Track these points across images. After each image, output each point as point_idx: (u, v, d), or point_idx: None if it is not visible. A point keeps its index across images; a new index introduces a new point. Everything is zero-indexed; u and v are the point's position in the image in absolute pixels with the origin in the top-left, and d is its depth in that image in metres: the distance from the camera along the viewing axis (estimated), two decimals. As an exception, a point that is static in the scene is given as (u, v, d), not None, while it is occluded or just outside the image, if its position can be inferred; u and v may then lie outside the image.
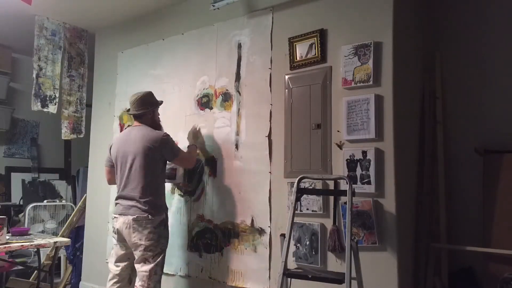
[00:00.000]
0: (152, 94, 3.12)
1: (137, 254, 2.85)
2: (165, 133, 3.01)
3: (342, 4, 2.75)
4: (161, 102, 3.16)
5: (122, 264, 3.00)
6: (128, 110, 3.09)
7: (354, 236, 2.46)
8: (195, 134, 3.32)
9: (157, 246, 2.85)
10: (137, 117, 3.04)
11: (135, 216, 2.81)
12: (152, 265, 2.82)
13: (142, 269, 2.82)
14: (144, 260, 2.83)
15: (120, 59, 4.20)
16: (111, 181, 3.14)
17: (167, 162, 3.05)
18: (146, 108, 3.02)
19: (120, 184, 2.95)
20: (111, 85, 4.23)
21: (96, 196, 4.22)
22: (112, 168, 3.09)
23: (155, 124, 3.08)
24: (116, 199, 2.98)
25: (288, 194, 2.80)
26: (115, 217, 2.94)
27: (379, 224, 2.45)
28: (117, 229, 2.91)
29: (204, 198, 3.31)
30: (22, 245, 3.04)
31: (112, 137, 4.07)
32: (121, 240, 2.93)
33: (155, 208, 2.87)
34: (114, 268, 3.01)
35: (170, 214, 3.50)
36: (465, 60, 2.95)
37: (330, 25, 2.78)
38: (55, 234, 4.50)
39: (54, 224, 4.66)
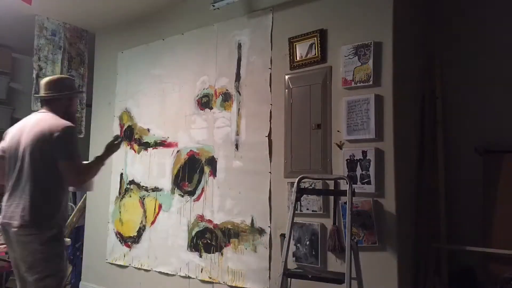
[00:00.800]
0: (72, 80, 2.63)
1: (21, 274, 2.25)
2: (70, 125, 2.30)
3: (342, 4, 2.75)
4: (82, 91, 2.59)
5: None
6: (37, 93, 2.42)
7: (354, 236, 2.46)
8: (111, 148, 2.55)
9: (46, 267, 2.18)
10: (45, 103, 2.42)
11: (18, 226, 2.16)
12: None
13: None
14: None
15: (120, 59, 4.20)
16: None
17: None
18: (59, 92, 2.40)
19: (7, 184, 2.31)
20: (111, 85, 4.23)
21: (96, 196, 4.21)
22: (1, 160, 2.37)
23: (70, 115, 2.45)
24: (4, 203, 2.30)
25: (288, 194, 2.80)
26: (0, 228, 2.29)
27: (379, 224, 2.45)
28: (6, 242, 2.30)
29: (204, 198, 3.31)
30: (22, 245, 3.02)
31: (112, 137, 4.07)
32: (11, 251, 2.29)
33: (44, 219, 2.21)
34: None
35: (171, 214, 3.52)
36: (465, 60, 2.95)
37: (330, 25, 2.78)
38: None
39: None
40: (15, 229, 2.17)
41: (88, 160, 2.63)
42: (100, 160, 2.46)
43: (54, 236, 2.22)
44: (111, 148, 2.53)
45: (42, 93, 2.43)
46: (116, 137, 2.61)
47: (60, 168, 2.23)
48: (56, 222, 2.26)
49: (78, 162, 2.30)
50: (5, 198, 2.30)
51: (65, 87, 2.47)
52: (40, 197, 2.22)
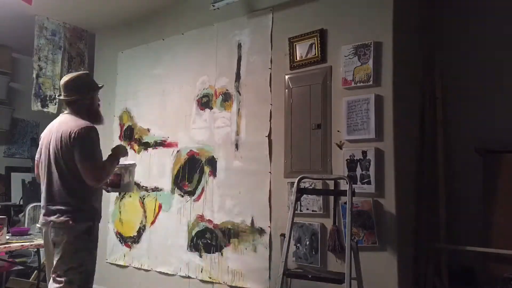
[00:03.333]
0: (89, 75, 2.65)
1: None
2: (88, 125, 2.37)
3: (342, 4, 2.75)
4: (102, 86, 2.60)
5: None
6: (60, 95, 2.52)
7: (354, 236, 2.46)
8: (124, 150, 2.67)
9: (73, 259, 2.30)
10: (67, 104, 2.48)
11: (55, 220, 2.32)
12: (62, 283, 2.27)
13: (52, 286, 2.30)
14: (55, 274, 2.30)
15: (120, 59, 4.20)
16: (37, 177, 2.57)
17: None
18: (80, 94, 2.45)
19: (43, 183, 2.44)
20: (111, 85, 4.23)
21: (96, 196, 4.21)
22: (38, 162, 2.54)
23: (93, 113, 2.53)
24: (42, 201, 2.46)
25: (288, 194, 2.80)
26: (39, 226, 2.47)
27: (379, 224, 2.45)
28: (43, 237, 2.44)
29: (204, 198, 3.31)
30: (22, 245, 3.04)
31: (112, 137, 4.08)
32: (48, 249, 2.43)
33: (79, 213, 2.34)
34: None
35: (171, 214, 3.52)
36: (465, 60, 2.95)
37: (330, 25, 2.78)
38: (55, 234, 4.49)
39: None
40: (52, 222, 2.32)
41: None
42: (114, 157, 2.53)
43: (89, 229, 2.36)
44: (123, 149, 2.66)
45: (64, 96, 2.47)
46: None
47: (79, 167, 2.32)
48: (87, 217, 2.37)
49: (97, 162, 2.37)
50: (42, 200, 2.44)
51: (83, 86, 2.48)
52: (69, 196, 2.33)
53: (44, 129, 2.60)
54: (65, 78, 2.50)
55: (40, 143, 2.53)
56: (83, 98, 2.47)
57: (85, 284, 2.34)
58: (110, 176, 2.55)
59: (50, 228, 2.34)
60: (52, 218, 2.33)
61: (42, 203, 2.44)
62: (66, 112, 2.49)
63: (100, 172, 2.38)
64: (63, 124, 2.39)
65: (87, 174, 2.32)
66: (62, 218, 2.31)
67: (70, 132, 2.31)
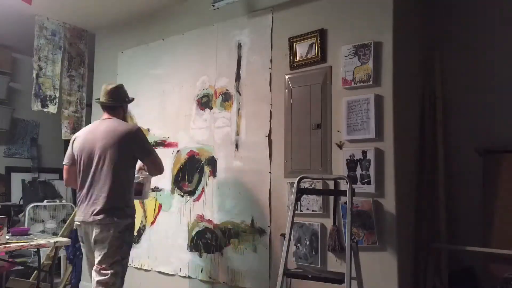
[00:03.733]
0: (123, 86, 2.88)
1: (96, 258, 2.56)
2: (138, 126, 2.80)
3: (342, 4, 2.75)
4: (133, 99, 2.92)
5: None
6: (98, 99, 2.78)
7: (354, 236, 2.46)
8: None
9: (118, 253, 2.54)
10: (110, 109, 2.74)
11: (101, 218, 2.51)
12: (108, 274, 2.50)
13: (98, 278, 2.52)
14: (101, 267, 2.52)
15: (120, 59, 4.20)
16: (69, 181, 2.75)
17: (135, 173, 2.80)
18: (122, 101, 2.80)
19: (84, 184, 2.61)
20: (111, 85, 4.23)
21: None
22: (73, 167, 2.70)
23: (125, 119, 2.91)
24: (79, 201, 2.64)
25: (288, 194, 2.80)
26: (78, 224, 2.64)
27: (379, 224, 2.45)
28: (83, 236, 2.65)
29: (204, 198, 3.31)
30: (22, 245, 3.03)
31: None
32: (88, 247, 2.65)
33: (122, 210, 2.57)
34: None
35: (171, 214, 3.52)
36: (465, 60, 2.95)
37: (330, 25, 2.78)
38: (55, 234, 4.49)
39: (54, 224, 4.65)
40: (99, 219, 2.52)
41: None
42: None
43: (129, 225, 2.62)
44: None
45: (108, 101, 2.74)
46: None
47: (144, 163, 2.76)
48: (131, 213, 2.65)
49: (156, 155, 2.74)
50: (82, 196, 2.63)
51: (125, 97, 2.84)
52: (120, 192, 2.58)
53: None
54: (109, 85, 2.78)
55: (76, 147, 2.70)
56: (123, 107, 2.82)
57: (124, 275, 2.62)
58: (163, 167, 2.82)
59: (93, 226, 2.53)
60: (98, 217, 2.52)
61: (84, 202, 2.61)
62: (104, 117, 2.74)
63: (161, 162, 2.76)
64: (113, 125, 2.64)
65: (156, 166, 2.72)
66: (108, 217, 2.52)
67: (128, 130, 2.62)
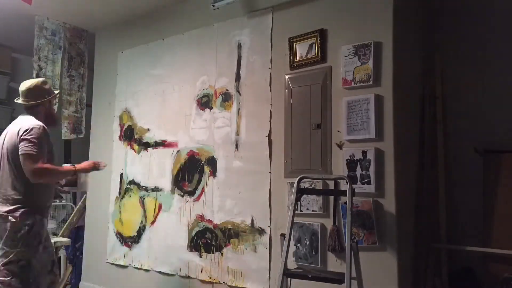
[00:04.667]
0: (46, 82, 2.77)
1: None
2: (38, 125, 2.53)
3: (342, 4, 2.75)
4: (57, 93, 2.86)
5: None
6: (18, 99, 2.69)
7: (354, 236, 2.46)
8: (86, 169, 2.81)
9: (14, 254, 2.41)
10: (26, 108, 2.67)
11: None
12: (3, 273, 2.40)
13: None
14: None
15: (120, 59, 4.20)
16: None
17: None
18: (36, 99, 2.64)
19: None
20: (111, 85, 4.23)
21: (96, 196, 4.21)
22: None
23: (50, 117, 2.73)
24: None
25: (288, 194, 2.80)
26: None
27: (379, 224, 2.45)
28: None
29: (204, 198, 3.31)
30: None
31: (112, 137, 4.09)
32: None
33: (23, 208, 2.45)
34: None
35: (171, 214, 3.52)
36: (465, 60, 2.95)
37: (330, 25, 2.78)
38: (55, 234, 4.49)
39: (54, 224, 4.64)
40: None
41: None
42: (71, 168, 2.72)
43: (29, 225, 2.46)
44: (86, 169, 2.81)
45: (23, 101, 2.67)
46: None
47: (20, 159, 2.48)
48: (34, 212, 2.50)
49: (36, 155, 2.46)
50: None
51: (40, 94, 2.67)
52: (22, 188, 2.49)
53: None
54: (24, 85, 2.67)
55: None
56: (40, 104, 2.66)
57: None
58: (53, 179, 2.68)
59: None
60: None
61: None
62: (23, 114, 2.67)
63: (51, 171, 2.54)
64: (19, 122, 2.58)
65: (29, 167, 2.44)
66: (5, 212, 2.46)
67: (23, 127, 2.49)
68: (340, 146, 2.64)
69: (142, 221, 3.73)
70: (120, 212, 3.94)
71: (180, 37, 3.68)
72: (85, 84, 4.50)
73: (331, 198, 2.64)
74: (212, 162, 3.30)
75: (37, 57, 4.12)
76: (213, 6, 3.25)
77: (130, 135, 3.97)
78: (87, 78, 4.51)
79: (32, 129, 2.48)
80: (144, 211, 3.73)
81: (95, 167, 2.82)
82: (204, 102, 3.43)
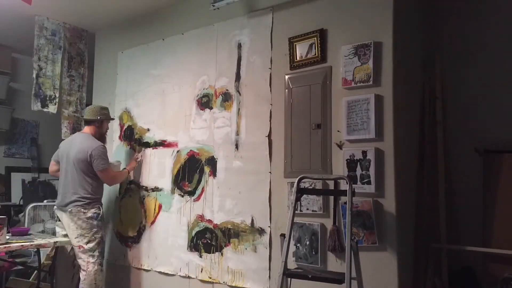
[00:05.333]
0: (107, 109, 3.67)
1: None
2: (101, 144, 3.45)
3: (342, 4, 2.75)
4: (113, 119, 3.78)
5: None
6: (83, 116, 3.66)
7: (354, 236, 2.46)
8: (132, 167, 3.78)
9: (91, 234, 3.36)
10: (86, 123, 3.59)
11: (70, 209, 3.34)
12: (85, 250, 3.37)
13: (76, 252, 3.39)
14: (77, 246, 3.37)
15: (120, 59, 4.20)
16: (52, 173, 3.70)
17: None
18: (95, 117, 3.53)
19: (60, 180, 3.51)
20: (111, 85, 4.23)
21: (96, 196, 4.21)
22: (57, 164, 3.60)
23: (100, 135, 3.57)
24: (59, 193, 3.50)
25: (288, 194, 2.80)
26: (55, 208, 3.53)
27: (379, 224, 2.45)
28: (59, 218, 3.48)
29: (204, 198, 3.31)
30: (22, 245, 3.04)
31: (112, 137, 4.09)
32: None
33: (92, 202, 3.40)
34: None
35: (171, 214, 3.53)
36: (465, 60, 2.95)
37: (330, 25, 2.78)
38: (55, 234, 4.49)
39: (54, 224, 4.65)
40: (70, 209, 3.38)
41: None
42: (125, 170, 3.74)
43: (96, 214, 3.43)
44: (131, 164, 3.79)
45: (85, 116, 3.64)
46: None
47: (98, 174, 3.45)
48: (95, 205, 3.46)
49: (108, 171, 3.49)
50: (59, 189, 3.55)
51: (99, 114, 3.58)
52: (87, 188, 3.42)
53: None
54: (90, 106, 3.75)
55: (60, 150, 3.63)
56: (96, 121, 3.57)
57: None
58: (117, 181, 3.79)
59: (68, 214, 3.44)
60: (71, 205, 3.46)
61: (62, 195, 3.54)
62: (82, 131, 3.67)
63: (114, 177, 3.67)
64: (80, 139, 3.53)
65: (105, 178, 3.52)
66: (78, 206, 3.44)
67: (88, 147, 3.40)
68: (340, 146, 2.64)
69: (142, 221, 3.73)
70: (120, 212, 3.94)
71: (180, 37, 3.68)
72: (85, 84, 4.50)
73: (331, 198, 2.64)
74: (212, 162, 3.30)
75: (37, 57, 4.12)
76: (213, 6, 3.24)
77: (130, 135, 3.97)
78: (87, 78, 4.51)
79: (99, 148, 3.41)
80: (144, 211, 3.74)
81: (137, 163, 3.77)
82: (204, 102, 3.43)
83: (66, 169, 3.43)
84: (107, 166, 3.44)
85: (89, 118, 3.55)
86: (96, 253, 3.35)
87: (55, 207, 3.52)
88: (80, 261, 3.35)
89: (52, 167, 3.66)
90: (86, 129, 3.57)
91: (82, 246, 3.32)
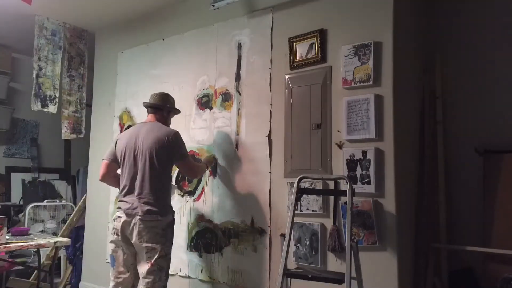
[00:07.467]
0: (174, 100, 3.11)
1: (141, 256, 2.65)
2: (177, 131, 2.87)
3: (342, 4, 2.75)
4: (179, 112, 3.15)
5: (125, 270, 2.74)
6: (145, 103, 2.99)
7: (354, 236, 2.46)
8: (209, 161, 3.23)
9: (162, 249, 2.63)
10: (153, 110, 2.94)
11: (142, 216, 2.61)
12: (154, 268, 2.60)
13: (143, 270, 2.61)
14: (147, 262, 2.61)
15: (120, 59, 4.20)
16: (106, 176, 2.89)
17: None
18: (165, 103, 2.96)
19: (126, 181, 2.73)
20: (111, 85, 4.23)
21: (96, 196, 4.22)
22: (113, 163, 2.86)
23: (167, 125, 2.98)
24: (122, 196, 2.76)
25: (288, 194, 2.80)
26: (118, 216, 2.69)
27: (379, 224, 2.45)
28: (119, 229, 2.67)
29: (204, 198, 3.31)
30: (22, 245, 3.04)
31: (112, 137, 4.08)
32: (125, 241, 2.69)
33: (164, 208, 2.70)
34: (116, 276, 2.76)
35: (170, 214, 3.51)
36: (465, 60, 2.95)
37: (330, 25, 2.78)
38: (55, 234, 4.50)
39: (54, 224, 4.65)
40: (140, 216, 2.63)
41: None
42: (204, 164, 3.15)
43: (170, 223, 2.76)
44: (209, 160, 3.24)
45: (152, 101, 2.98)
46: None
47: (177, 166, 2.94)
48: (171, 211, 2.80)
49: (190, 159, 2.95)
50: (124, 193, 2.75)
51: (170, 102, 3.03)
52: (160, 191, 2.72)
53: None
54: (157, 92, 3.08)
55: (119, 145, 2.85)
56: (165, 109, 2.98)
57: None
58: (198, 173, 3.15)
59: (138, 222, 2.65)
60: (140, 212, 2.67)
61: (127, 199, 2.74)
62: (147, 120, 2.96)
63: (197, 168, 3.06)
64: (153, 127, 2.83)
65: (187, 169, 2.97)
66: (152, 213, 2.68)
67: (167, 133, 2.78)
68: (340, 146, 2.64)
69: (142, 221, 3.73)
70: (120, 212, 3.93)
71: (180, 37, 3.68)
72: (85, 84, 4.50)
73: (331, 198, 2.64)
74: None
75: (37, 57, 4.12)
76: (213, 6, 3.25)
77: (130, 135, 3.96)
78: (87, 78, 4.51)
79: (177, 135, 2.84)
80: (144, 211, 3.73)
81: (215, 160, 3.27)
82: (204, 102, 3.43)
83: (135, 167, 2.72)
84: (188, 154, 2.91)
85: (157, 103, 2.94)
86: (164, 274, 2.66)
87: (118, 214, 2.73)
88: (143, 282, 2.62)
89: (106, 168, 2.87)
90: (151, 117, 2.93)
91: (152, 264, 2.60)
